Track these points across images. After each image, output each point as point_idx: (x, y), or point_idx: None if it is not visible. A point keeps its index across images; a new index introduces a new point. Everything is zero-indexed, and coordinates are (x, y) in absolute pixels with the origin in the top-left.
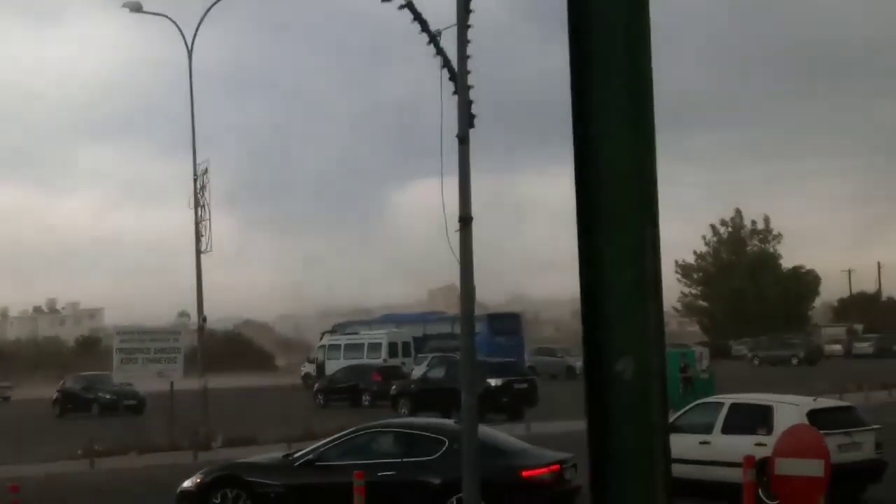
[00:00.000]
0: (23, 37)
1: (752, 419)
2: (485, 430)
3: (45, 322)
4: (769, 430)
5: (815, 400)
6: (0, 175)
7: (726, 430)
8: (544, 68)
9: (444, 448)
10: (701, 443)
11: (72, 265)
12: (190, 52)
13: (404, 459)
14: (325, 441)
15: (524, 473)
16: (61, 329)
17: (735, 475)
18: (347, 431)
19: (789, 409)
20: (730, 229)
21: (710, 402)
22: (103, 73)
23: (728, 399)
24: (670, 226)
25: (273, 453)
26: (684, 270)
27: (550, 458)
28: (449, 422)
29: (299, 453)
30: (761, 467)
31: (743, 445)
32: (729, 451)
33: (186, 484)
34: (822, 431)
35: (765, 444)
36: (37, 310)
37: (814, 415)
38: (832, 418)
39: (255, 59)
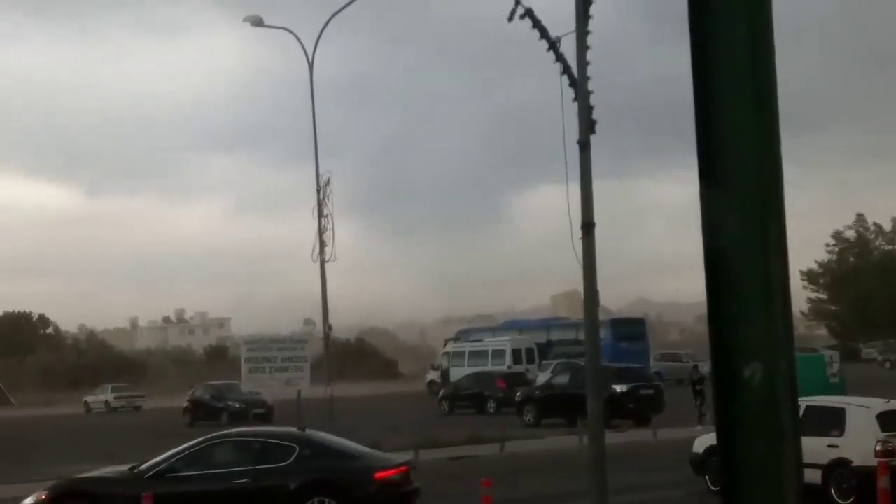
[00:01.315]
0: (149, 51)
1: (826, 421)
2: (333, 437)
3: (174, 332)
4: (841, 432)
5: (888, 402)
6: (128, 187)
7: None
8: (662, 72)
9: (295, 454)
10: (828, 446)
11: (199, 275)
12: (311, 64)
13: (257, 467)
14: (172, 452)
15: (377, 475)
16: (190, 339)
17: (811, 476)
18: (195, 442)
19: (861, 412)
20: (855, 231)
21: (827, 406)
22: (226, 86)
23: (804, 401)
24: (792, 228)
25: (120, 466)
26: (810, 276)
27: (398, 461)
28: (293, 429)
29: (146, 465)
30: (831, 469)
31: (816, 447)
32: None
33: (28, 501)
34: (887, 433)
35: (837, 446)
36: (166, 320)
37: (884, 417)
38: None
39: (375, 69)
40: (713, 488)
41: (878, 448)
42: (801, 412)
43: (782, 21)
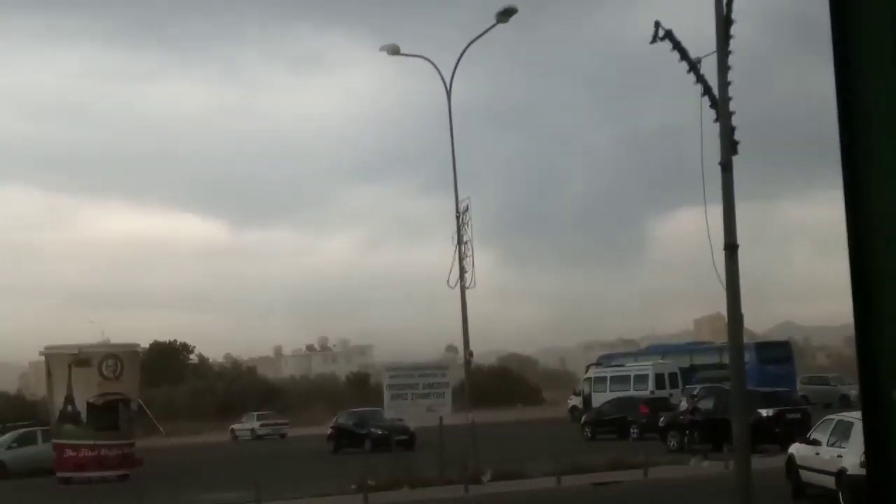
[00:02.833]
0: (287, 85)
1: (842, 433)
2: None
3: (317, 360)
4: (847, 443)
5: None
6: (270, 219)
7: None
8: (808, 92)
9: None
10: (837, 455)
11: (342, 304)
12: (448, 91)
13: None
14: None
15: None
16: (333, 366)
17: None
18: None
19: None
20: None
21: (844, 419)
22: (365, 116)
23: (835, 417)
24: None
25: None
26: None
27: None
28: None
29: None
30: (839, 476)
31: (832, 457)
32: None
33: None
34: None
35: (841, 456)
36: (309, 348)
37: None
38: None
39: (513, 96)
40: None
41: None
42: (832, 426)
43: None
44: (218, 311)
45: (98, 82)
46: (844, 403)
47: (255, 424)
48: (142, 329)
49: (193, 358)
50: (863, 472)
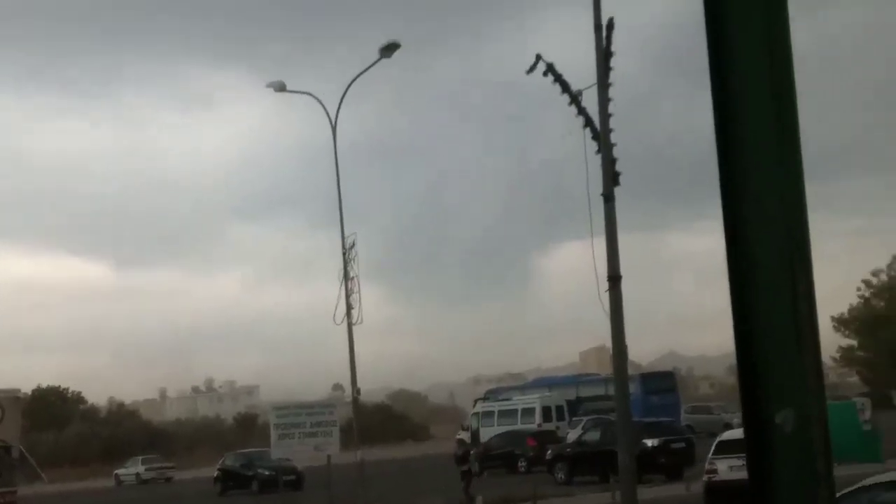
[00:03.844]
0: (173, 122)
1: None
2: None
3: (203, 401)
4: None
5: (732, 431)
6: (154, 259)
7: None
8: (689, 123)
9: None
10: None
11: (226, 344)
12: (334, 128)
13: None
14: None
15: None
16: (219, 407)
17: None
18: None
19: (715, 440)
20: (886, 276)
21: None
22: (252, 154)
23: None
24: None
25: None
26: (841, 321)
27: None
28: None
29: None
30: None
31: None
32: None
33: None
34: (715, 456)
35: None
36: (195, 389)
37: (721, 444)
38: None
39: (401, 131)
40: None
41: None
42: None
43: (806, 63)
44: (102, 353)
45: None
46: None
47: (140, 468)
48: (24, 374)
49: (79, 402)
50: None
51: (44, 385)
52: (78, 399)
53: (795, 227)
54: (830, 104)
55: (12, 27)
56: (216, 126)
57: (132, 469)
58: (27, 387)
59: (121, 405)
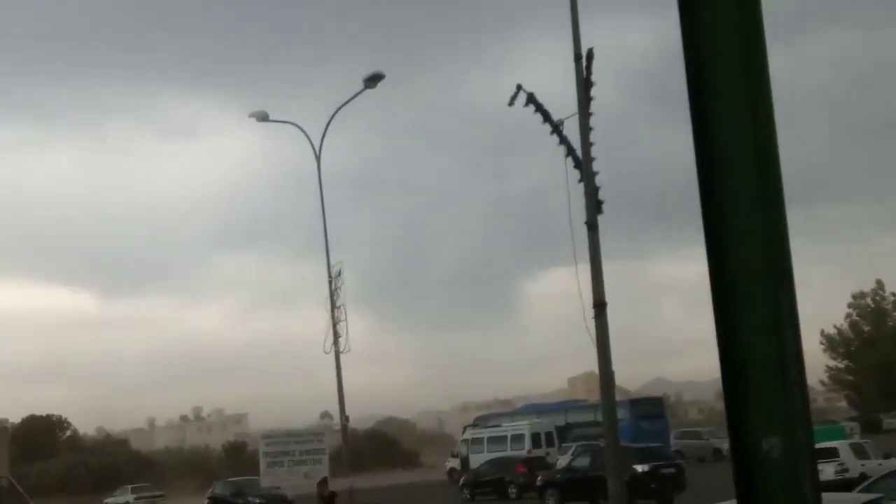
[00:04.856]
0: (156, 153)
1: None
2: None
3: (192, 430)
4: None
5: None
6: (140, 289)
7: None
8: (671, 151)
9: None
10: None
11: (215, 372)
12: (318, 157)
13: None
14: None
15: None
16: (208, 436)
17: None
18: None
19: None
20: (871, 302)
21: None
22: (236, 183)
23: None
24: (808, 302)
25: None
26: (830, 342)
27: None
28: None
29: None
30: None
31: None
32: None
33: None
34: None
35: None
36: (183, 418)
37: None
38: None
39: (383, 160)
40: None
41: None
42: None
43: (786, 93)
44: (89, 383)
45: None
46: (717, 457)
47: (130, 497)
48: (9, 404)
49: (67, 432)
50: None
51: (31, 414)
52: (65, 428)
53: (778, 254)
54: (813, 131)
55: None
56: (199, 156)
57: (122, 498)
58: (14, 416)
59: (109, 435)
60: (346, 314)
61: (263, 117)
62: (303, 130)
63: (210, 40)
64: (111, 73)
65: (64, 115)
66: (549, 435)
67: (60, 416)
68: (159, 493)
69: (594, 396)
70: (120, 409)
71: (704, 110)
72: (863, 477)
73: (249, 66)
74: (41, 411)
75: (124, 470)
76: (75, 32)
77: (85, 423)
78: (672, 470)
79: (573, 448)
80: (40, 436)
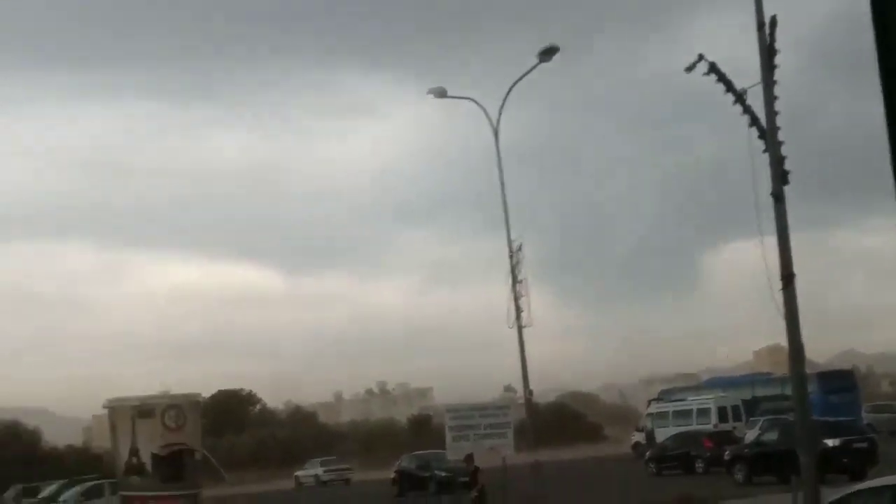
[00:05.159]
0: (335, 131)
1: None
2: None
3: (377, 403)
4: None
5: None
6: (324, 266)
7: None
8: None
9: None
10: None
11: (398, 347)
12: (496, 132)
13: None
14: None
15: None
16: (393, 409)
17: None
18: None
19: None
20: None
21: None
22: (414, 160)
23: None
24: None
25: None
26: None
27: None
28: None
29: None
30: None
31: None
32: None
33: None
34: None
35: None
36: (369, 392)
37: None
38: None
39: (561, 133)
40: None
41: None
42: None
43: None
44: (277, 358)
45: (148, 137)
46: None
47: (319, 470)
48: (203, 378)
49: (257, 406)
50: None
51: (221, 389)
52: (255, 402)
53: None
54: None
55: (172, 44)
56: (377, 134)
57: (311, 471)
58: (207, 391)
59: (298, 408)
60: (527, 288)
61: (441, 93)
62: (480, 106)
63: (387, 21)
64: (287, 53)
65: (244, 97)
66: (735, 409)
67: (250, 391)
68: (347, 466)
69: (780, 369)
70: (307, 383)
71: (895, 74)
72: None
73: (427, 44)
74: (232, 385)
75: (312, 443)
76: (257, 15)
77: (273, 397)
78: (864, 444)
79: (761, 422)
80: (231, 410)
